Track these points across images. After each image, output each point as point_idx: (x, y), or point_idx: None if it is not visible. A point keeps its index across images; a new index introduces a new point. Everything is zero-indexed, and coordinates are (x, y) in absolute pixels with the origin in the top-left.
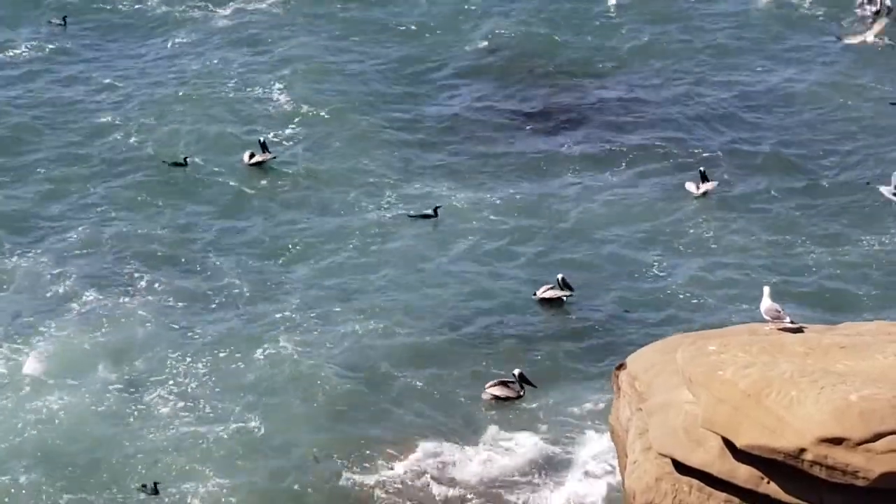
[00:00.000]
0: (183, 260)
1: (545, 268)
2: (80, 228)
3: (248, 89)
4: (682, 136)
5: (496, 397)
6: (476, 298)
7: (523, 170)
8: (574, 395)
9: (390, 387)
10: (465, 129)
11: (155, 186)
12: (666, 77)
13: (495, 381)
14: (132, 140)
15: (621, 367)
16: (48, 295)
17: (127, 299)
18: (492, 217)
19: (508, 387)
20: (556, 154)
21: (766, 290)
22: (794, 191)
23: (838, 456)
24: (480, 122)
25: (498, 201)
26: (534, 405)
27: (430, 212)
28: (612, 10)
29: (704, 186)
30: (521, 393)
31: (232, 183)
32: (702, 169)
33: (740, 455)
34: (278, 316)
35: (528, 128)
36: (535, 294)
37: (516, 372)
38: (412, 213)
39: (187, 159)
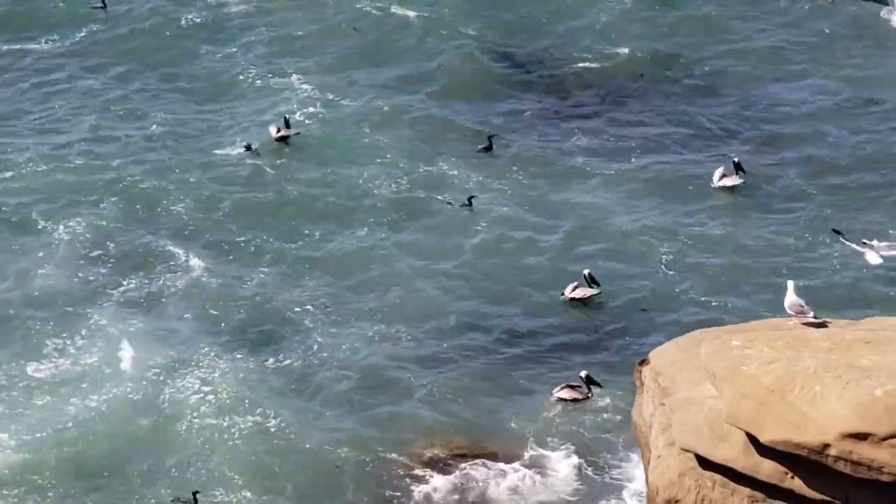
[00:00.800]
0: (209, 239)
1: (568, 262)
2: (110, 205)
3: (270, 75)
4: (704, 130)
5: (563, 400)
6: (499, 296)
7: (542, 162)
8: (604, 398)
9: (413, 389)
10: (486, 118)
11: (179, 165)
12: (691, 73)
13: (563, 384)
14: (158, 122)
15: (644, 362)
16: (79, 281)
17: (155, 283)
18: (509, 208)
19: (576, 389)
20: (576, 146)
21: (790, 285)
22: (818, 185)
23: (863, 451)
24: (502, 112)
25: (517, 193)
26: (569, 409)
27: (465, 202)
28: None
29: (725, 180)
30: (589, 395)
31: (258, 163)
32: (735, 159)
33: (764, 450)
34: (303, 307)
35: (550, 119)
36: (563, 294)
37: (583, 374)
38: (447, 199)
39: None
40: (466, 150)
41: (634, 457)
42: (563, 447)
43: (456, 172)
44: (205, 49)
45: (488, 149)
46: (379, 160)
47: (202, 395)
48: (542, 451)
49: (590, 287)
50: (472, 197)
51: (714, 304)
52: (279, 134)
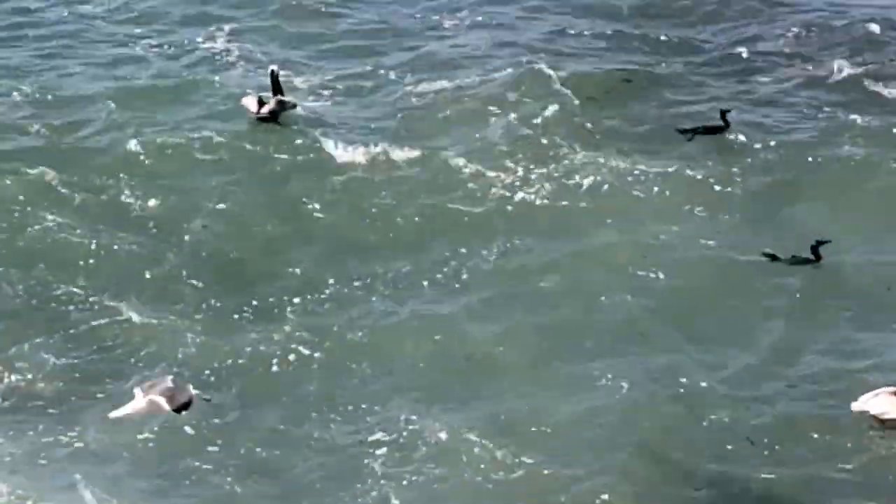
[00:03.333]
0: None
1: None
2: None
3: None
4: None
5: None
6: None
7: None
8: None
9: None
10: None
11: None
12: None
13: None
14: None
15: None
16: None
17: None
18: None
19: None
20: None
21: None
22: None
23: None
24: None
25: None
26: None
27: (807, 255)
28: None
29: None
30: None
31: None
32: None
33: None
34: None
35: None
36: (855, 405)
37: None
38: (775, 254)
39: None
40: (650, 133)
41: None
42: None
43: (642, 174)
44: None
45: (719, 130)
46: (481, 149)
47: None
48: None
49: None
50: (823, 242)
51: None
52: (263, 111)
